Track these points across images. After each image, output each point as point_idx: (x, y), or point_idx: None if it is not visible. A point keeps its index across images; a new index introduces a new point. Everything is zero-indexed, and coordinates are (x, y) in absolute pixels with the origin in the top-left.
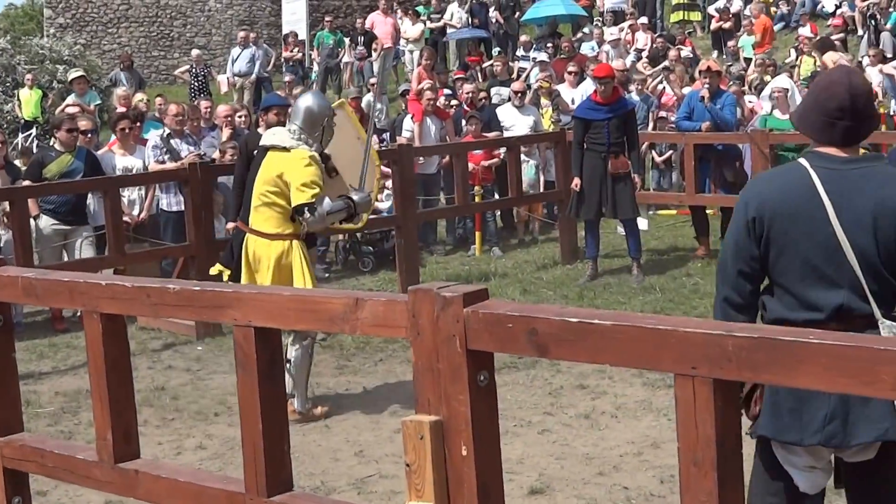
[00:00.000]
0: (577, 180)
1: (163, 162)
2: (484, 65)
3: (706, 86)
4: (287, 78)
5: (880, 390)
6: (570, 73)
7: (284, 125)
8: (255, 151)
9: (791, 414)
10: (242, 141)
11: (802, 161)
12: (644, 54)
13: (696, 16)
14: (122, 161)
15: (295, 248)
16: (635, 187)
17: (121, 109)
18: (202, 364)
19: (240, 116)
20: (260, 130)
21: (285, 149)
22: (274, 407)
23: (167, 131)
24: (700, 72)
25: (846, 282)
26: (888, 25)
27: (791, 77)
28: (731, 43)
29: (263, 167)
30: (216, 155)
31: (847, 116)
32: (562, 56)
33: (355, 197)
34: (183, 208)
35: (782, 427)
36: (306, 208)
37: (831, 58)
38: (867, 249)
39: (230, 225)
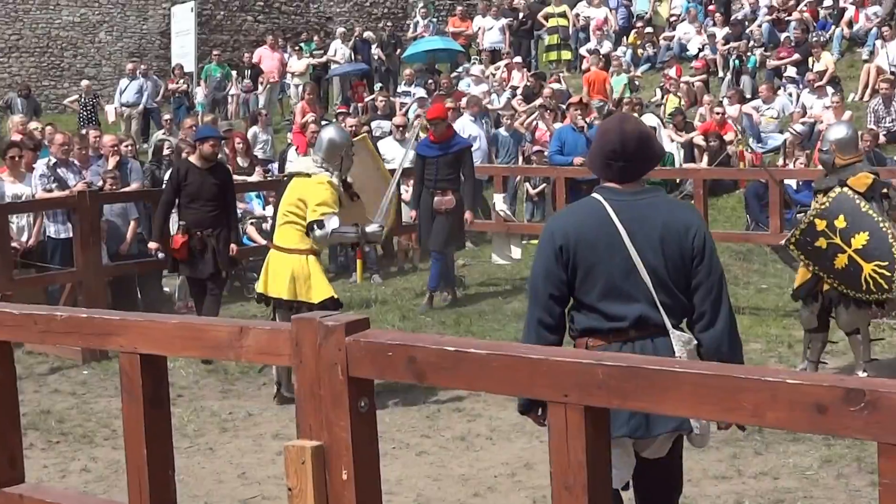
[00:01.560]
0: (413, 213)
1: (50, 190)
2: (366, 99)
3: (579, 116)
4: (166, 116)
5: (741, 417)
6: (449, 109)
7: (217, 156)
8: (188, 176)
9: None
10: (174, 168)
11: (596, 195)
12: (519, 91)
13: (568, 55)
14: (11, 188)
15: (310, 262)
16: (464, 223)
17: (15, 137)
18: (88, 388)
19: (126, 146)
20: (192, 159)
21: (307, 175)
22: (158, 432)
23: (53, 160)
24: (570, 104)
25: (642, 296)
26: (748, 68)
27: (657, 115)
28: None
29: (288, 191)
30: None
31: (620, 158)
32: (440, 92)
33: (368, 228)
34: (70, 235)
35: None
36: (315, 224)
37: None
38: (657, 268)
39: (153, 245)
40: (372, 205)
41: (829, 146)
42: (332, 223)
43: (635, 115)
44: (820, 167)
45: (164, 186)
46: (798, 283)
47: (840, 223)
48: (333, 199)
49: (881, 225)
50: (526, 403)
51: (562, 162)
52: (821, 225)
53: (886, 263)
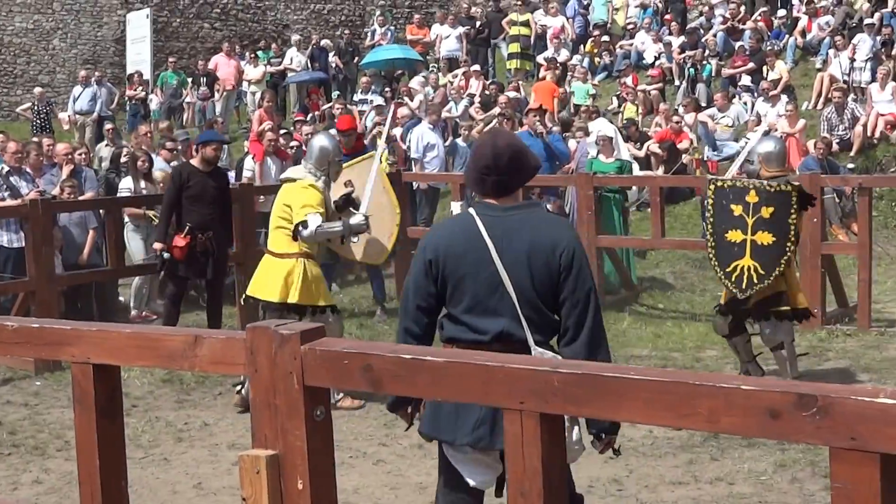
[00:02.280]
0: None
1: (2, 199)
2: (323, 107)
3: (538, 122)
4: (108, 126)
5: (696, 423)
6: (405, 116)
7: (219, 160)
8: (190, 179)
9: (448, 416)
10: (176, 170)
11: (471, 210)
12: (476, 100)
13: (528, 65)
14: None
15: (300, 265)
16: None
17: None
18: (40, 399)
19: (79, 154)
20: (193, 162)
21: (294, 180)
22: (111, 443)
23: (6, 168)
24: (529, 110)
25: (507, 312)
26: (703, 76)
27: (614, 123)
28: (560, 90)
29: (277, 197)
30: (56, 191)
31: (493, 172)
32: (399, 100)
33: (352, 220)
34: (23, 244)
35: (440, 427)
36: (300, 225)
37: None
38: (524, 284)
39: (157, 245)
40: (380, 222)
41: (756, 158)
42: (315, 220)
43: (509, 130)
44: None
45: (117, 193)
46: (725, 300)
47: (765, 212)
48: (317, 201)
49: (788, 243)
50: (394, 401)
51: None
52: (753, 197)
53: (764, 273)
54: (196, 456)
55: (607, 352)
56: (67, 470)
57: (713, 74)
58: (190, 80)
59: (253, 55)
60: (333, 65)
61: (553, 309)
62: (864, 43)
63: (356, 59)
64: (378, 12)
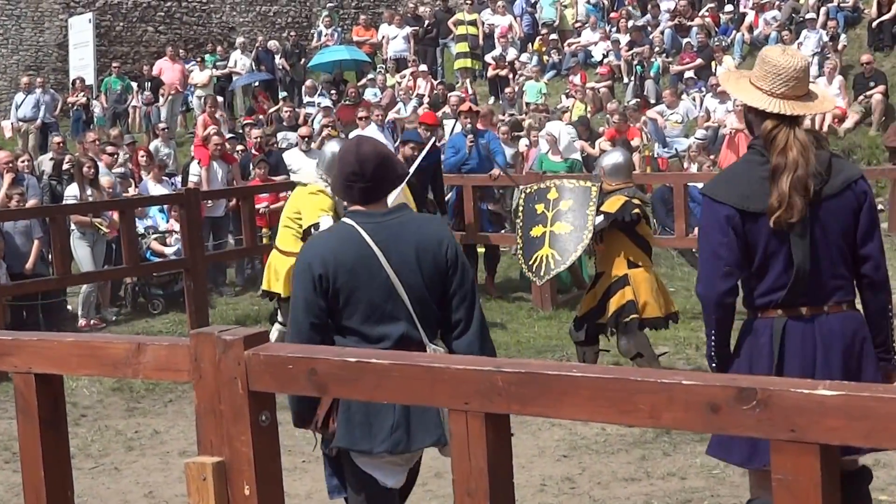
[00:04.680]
0: None
1: None
2: (270, 111)
3: (468, 125)
4: (57, 139)
5: (639, 419)
6: (360, 118)
7: (417, 157)
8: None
9: (362, 427)
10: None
11: (348, 220)
12: (425, 100)
13: (477, 64)
14: None
15: None
16: None
17: None
18: None
19: (22, 161)
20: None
21: (305, 185)
22: (56, 453)
23: None
24: (460, 112)
25: (402, 315)
26: (651, 73)
27: (563, 121)
28: (507, 90)
29: (290, 199)
30: None
31: (360, 179)
32: (347, 102)
33: None
34: None
35: (355, 439)
36: (312, 227)
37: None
38: (415, 285)
39: None
40: None
41: (599, 171)
42: (326, 222)
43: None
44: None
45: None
46: (582, 313)
47: (564, 205)
48: (328, 205)
49: (585, 232)
50: (298, 417)
51: (456, 161)
52: (553, 194)
53: (560, 258)
54: (147, 464)
55: (492, 341)
56: (16, 482)
57: (661, 71)
58: (135, 84)
59: (199, 59)
60: (280, 66)
61: (439, 304)
62: (809, 38)
63: (303, 60)
64: (325, 13)
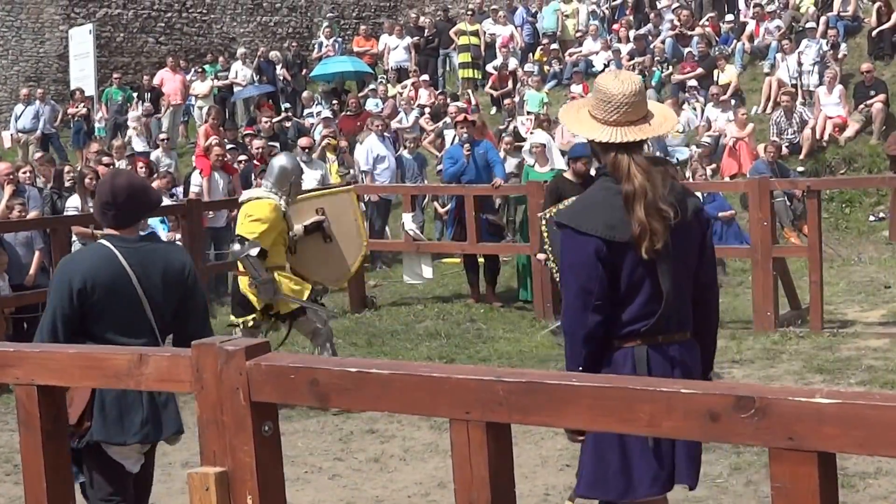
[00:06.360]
0: None
1: None
2: (269, 121)
3: (465, 134)
4: (37, 155)
5: (638, 427)
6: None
7: (590, 173)
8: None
9: (116, 422)
10: (553, 184)
11: (105, 242)
12: (426, 110)
13: (478, 74)
14: None
15: (277, 277)
16: None
17: None
18: None
19: (23, 173)
20: (567, 175)
21: (258, 198)
22: (58, 465)
23: None
24: (456, 122)
25: (146, 329)
26: (653, 83)
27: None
28: (506, 101)
29: (239, 215)
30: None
31: (112, 207)
32: (348, 112)
33: (260, 281)
34: None
35: (111, 432)
36: (238, 238)
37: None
38: (161, 305)
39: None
40: (346, 256)
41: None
42: (253, 251)
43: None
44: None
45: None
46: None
47: None
48: (273, 218)
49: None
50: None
51: (455, 172)
52: None
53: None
54: None
55: None
56: (17, 494)
57: (662, 80)
58: (136, 95)
59: (200, 69)
60: (281, 77)
61: (177, 322)
62: (810, 47)
63: (304, 71)
64: (325, 24)
